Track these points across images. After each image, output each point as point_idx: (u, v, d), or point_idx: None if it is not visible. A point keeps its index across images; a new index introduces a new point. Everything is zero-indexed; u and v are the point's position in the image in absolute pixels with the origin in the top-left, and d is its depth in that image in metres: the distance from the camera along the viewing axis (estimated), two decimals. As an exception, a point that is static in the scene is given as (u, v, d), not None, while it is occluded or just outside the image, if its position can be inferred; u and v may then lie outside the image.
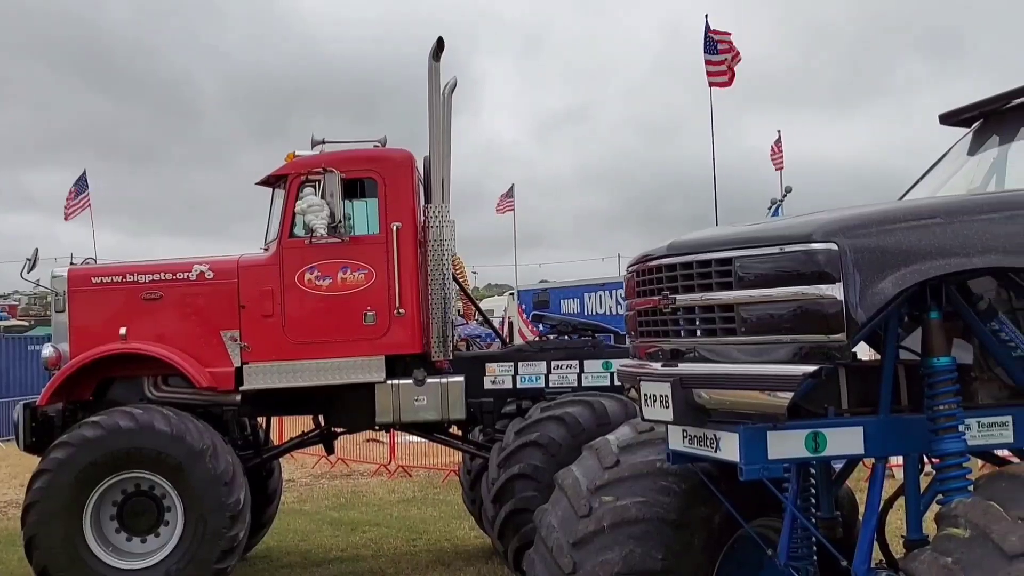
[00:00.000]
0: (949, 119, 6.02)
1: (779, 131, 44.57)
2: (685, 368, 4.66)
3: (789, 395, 4.19)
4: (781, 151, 38.69)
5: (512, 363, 10.23)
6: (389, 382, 9.85)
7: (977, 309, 4.70)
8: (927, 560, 3.71)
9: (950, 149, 6.09)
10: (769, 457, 4.44)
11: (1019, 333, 4.81)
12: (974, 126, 5.98)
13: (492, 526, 9.37)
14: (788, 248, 4.26)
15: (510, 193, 47.92)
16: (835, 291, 4.11)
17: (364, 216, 10.19)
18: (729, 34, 30.77)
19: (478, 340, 13.43)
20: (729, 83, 30.77)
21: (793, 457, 4.52)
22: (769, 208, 9.77)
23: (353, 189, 10.00)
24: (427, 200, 10.27)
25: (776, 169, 38.40)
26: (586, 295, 36.81)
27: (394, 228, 9.80)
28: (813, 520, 5.32)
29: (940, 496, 4.40)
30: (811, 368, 4.13)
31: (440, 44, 9.94)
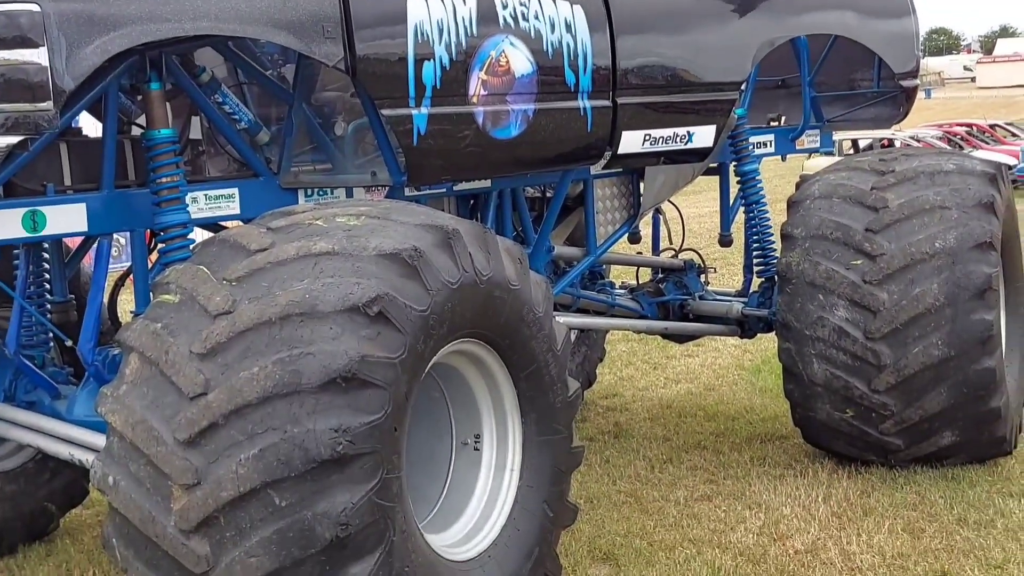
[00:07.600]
0: None
1: None
2: None
3: None
4: None
5: None
6: None
7: (200, 81, 4.69)
8: (138, 328, 3.69)
9: None
10: None
11: (243, 107, 4.90)
12: None
13: None
14: None
15: None
16: (39, 56, 3.78)
17: None
18: None
19: None
20: None
21: (9, 238, 4.26)
22: None
23: None
24: None
25: None
26: None
27: None
28: (48, 305, 5.12)
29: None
30: (15, 139, 3.85)
31: None
